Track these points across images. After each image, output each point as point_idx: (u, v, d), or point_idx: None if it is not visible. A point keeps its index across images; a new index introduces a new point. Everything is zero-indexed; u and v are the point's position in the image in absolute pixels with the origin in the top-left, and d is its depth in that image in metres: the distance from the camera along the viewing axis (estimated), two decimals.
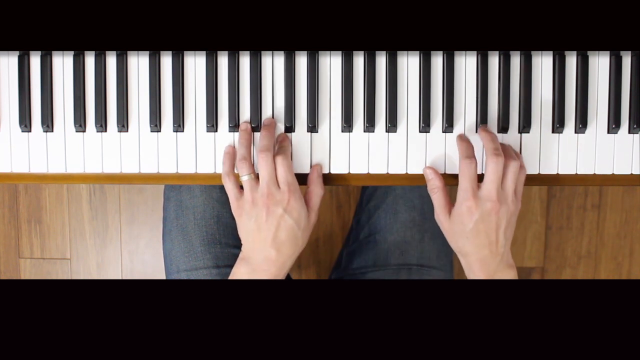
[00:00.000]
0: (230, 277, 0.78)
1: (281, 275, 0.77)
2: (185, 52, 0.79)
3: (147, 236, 1.57)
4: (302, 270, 1.58)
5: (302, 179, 0.80)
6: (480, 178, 0.76)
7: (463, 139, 0.79)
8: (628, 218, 1.58)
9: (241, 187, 0.77)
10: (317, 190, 0.78)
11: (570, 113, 0.81)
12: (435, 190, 0.78)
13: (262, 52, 0.79)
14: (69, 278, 1.58)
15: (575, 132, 0.81)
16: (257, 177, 0.76)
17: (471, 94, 0.80)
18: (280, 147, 0.78)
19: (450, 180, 0.80)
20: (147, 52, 0.79)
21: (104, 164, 0.80)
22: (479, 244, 0.74)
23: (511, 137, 0.80)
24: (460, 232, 0.75)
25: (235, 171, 0.78)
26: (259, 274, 0.76)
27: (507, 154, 0.76)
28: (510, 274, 0.76)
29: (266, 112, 0.80)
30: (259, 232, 0.75)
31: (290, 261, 0.77)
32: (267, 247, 0.75)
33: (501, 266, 0.75)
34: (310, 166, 0.80)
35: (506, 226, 0.75)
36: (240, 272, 0.77)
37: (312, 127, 0.80)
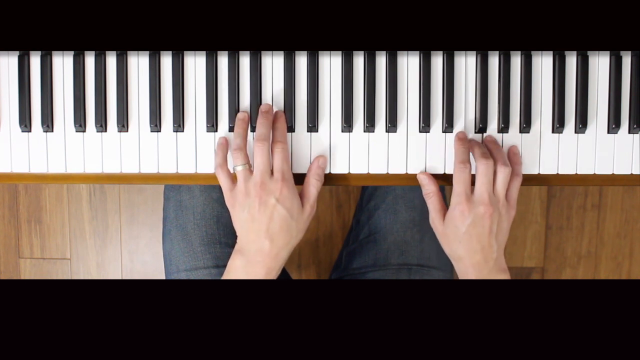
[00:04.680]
0: (226, 269, 0.78)
1: (276, 268, 0.77)
2: (185, 52, 0.79)
3: (147, 236, 1.57)
4: (302, 270, 1.58)
5: (302, 179, 0.80)
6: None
7: (462, 142, 0.79)
8: (628, 218, 1.58)
9: (234, 179, 0.77)
10: (314, 181, 0.78)
11: (570, 113, 0.81)
12: (431, 195, 0.78)
13: (262, 52, 0.79)
14: (69, 278, 1.58)
15: (575, 132, 0.81)
16: (250, 168, 0.76)
17: (471, 94, 0.80)
18: (276, 129, 0.77)
19: (450, 181, 0.80)
20: (147, 52, 0.79)
21: (104, 164, 0.80)
22: (472, 249, 0.75)
23: (511, 137, 0.80)
24: (454, 236, 0.76)
25: (230, 167, 0.78)
26: (254, 266, 0.76)
27: (499, 159, 0.76)
28: (504, 278, 0.77)
29: None
30: (252, 222, 0.75)
31: (285, 252, 0.77)
32: (261, 238, 0.75)
33: (494, 271, 0.76)
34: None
35: (498, 231, 0.75)
36: (235, 264, 0.77)
37: (312, 127, 0.80)
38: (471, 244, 0.75)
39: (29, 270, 1.58)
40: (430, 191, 0.79)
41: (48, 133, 0.80)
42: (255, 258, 0.76)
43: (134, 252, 1.58)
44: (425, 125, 0.80)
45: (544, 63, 0.80)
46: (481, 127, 0.80)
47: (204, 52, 0.79)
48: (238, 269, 0.77)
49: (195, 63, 0.80)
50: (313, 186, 0.78)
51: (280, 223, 0.75)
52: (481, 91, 0.80)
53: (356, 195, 1.55)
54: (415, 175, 0.80)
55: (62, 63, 0.79)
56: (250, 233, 0.76)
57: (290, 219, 0.75)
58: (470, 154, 0.78)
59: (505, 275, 0.77)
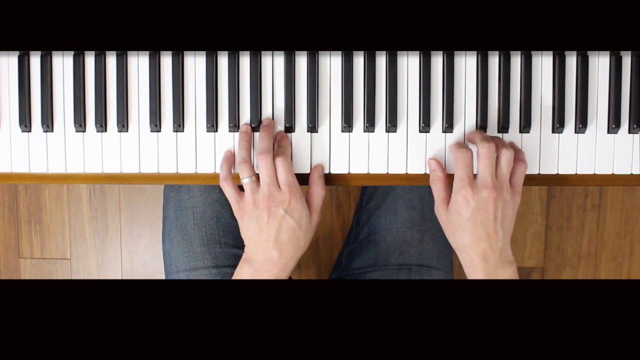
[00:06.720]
0: (234, 277, 0.79)
1: (283, 276, 0.77)
2: (185, 52, 0.79)
3: (147, 236, 1.57)
4: (302, 270, 1.58)
5: (302, 179, 0.80)
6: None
7: (456, 143, 0.79)
8: (628, 218, 1.58)
9: (241, 189, 0.77)
10: (318, 190, 0.78)
11: (570, 113, 0.81)
12: (437, 182, 0.78)
13: (262, 52, 0.79)
14: (69, 278, 1.58)
15: (575, 132, 0.81)
16: (257, 179, 0.76)
17: (471, 94, 0.80)
18: (280, 147, 0.78)
19: (451, 180, 0.80)
20: (147, 52, 0.79)
21: (104, 164, 0.80)
22: (477, 236, 0.74)
23: (511, 137, 0.80)
24: (457, 224, 0.75)
25: (234, 171, 0.79)
26: (262, 275, 0.76)
27: (500, 144, 0.76)
28: (510, 270, 0.75)
29: (266, 112, 0.80)
30: (261, 233, 0.75)
31: (293, 262, 0.77)
32: (270, 249, 0.75)
33: (500, 261, 0.74)
34: (311, 166, 0.80)
35: (503, 217, 0.73)
36: (243, 272, 0.77)
37: (312, 127, 0.80)
38: (476, 231, 0.73)
39: (29, 270, 1.58)
40: (437, 177, 0.78)
41: (48, 133, 0.80)
42: (263, 268, 0.76)
43: (134, 252, 1.58)
44: (425, 125, 0.80)
45: (544, 63, 0.80)
46: (481, 127, 0.80)
47: (204, 52, 0.79)
48: (245, 277, 0.77)
49: (195, 63, 0.80)
50: (318, 196, 0.78)
51: (288, 234, 0.75)
52: (481, 91, 0.80)
53: (356, 195, 1.55)
54: (415, 175, 0.80)
55: (62, 63, 0.79)
56: (258, 244, 0.76)
57: (299, 230, 0.75)
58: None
59: (511, 268, 0.75)
